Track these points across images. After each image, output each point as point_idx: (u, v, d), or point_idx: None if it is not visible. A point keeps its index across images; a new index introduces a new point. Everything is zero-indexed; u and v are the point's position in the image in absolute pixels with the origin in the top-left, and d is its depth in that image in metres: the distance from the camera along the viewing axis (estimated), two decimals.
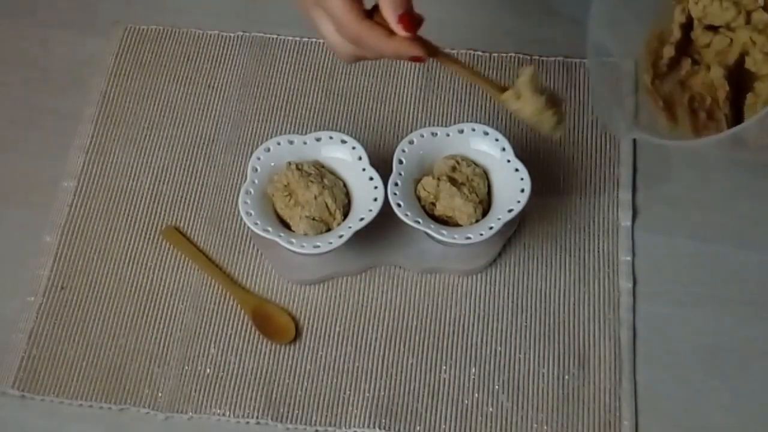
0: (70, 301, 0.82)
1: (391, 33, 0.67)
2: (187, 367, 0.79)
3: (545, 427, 0.76)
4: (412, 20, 0.67)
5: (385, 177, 0.79)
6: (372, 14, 0.68)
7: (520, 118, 0.73)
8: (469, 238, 0.76)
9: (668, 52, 0.83)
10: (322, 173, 0.81)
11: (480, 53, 0.94)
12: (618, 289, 0.82)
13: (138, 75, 0.94)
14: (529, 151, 0.88)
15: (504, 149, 0.81)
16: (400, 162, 0.80)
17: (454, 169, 0.80)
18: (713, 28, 0.83)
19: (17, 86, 0.94)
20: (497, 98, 0.73)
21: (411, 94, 0.92)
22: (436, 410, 0.77)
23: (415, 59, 0.68)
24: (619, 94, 0.82)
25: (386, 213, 0.78)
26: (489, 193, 0.81)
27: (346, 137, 0.82)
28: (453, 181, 0.79)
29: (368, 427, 0.77)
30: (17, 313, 0.82)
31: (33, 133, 0.91)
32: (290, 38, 0.96)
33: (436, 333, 0.80)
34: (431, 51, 0.69)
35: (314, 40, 0.96)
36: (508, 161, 0.81)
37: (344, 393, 0.78)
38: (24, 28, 0.98)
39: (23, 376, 0.79)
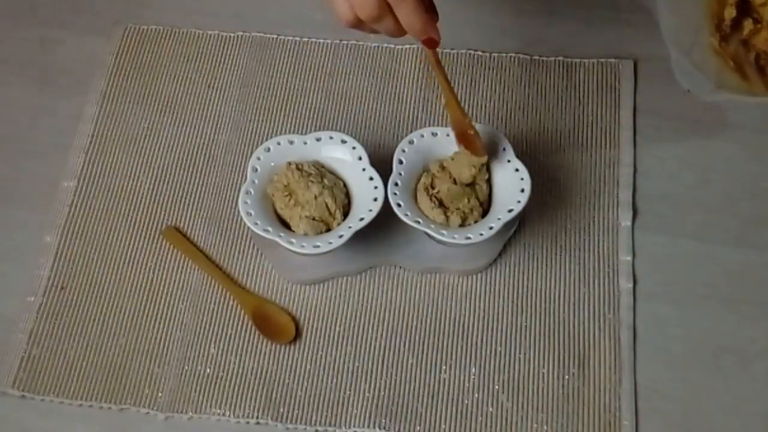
0: (70, 301, 0.82)
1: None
2: (187, 367, 0.79)
3: (545, 427, 0.76)
4: (434, 42, 0.71)
5: (385, 177, 0.79)
6: None
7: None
8: (469, 238, 0.76)
9: (729, 13, 0.84)
10: (322, 173, 0.81)
11: (480, 53, 0.94)
12: (618, 289, 0.82)
13: (138, 75, 0.94)
14: (529, 151, 0.88)
15: (504, 149, 0.81)
16: (400, 162, 0.80)
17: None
18: None
19: (17, 86, 0.94)
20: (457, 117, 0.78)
21: (411, 94, 0.92)
22: (436, 410, 0.77)
23: (428, 42, 0.71)
24: (693, 58, 0.82)
25: (386, 213, 0.78)
26: (489, 193, 0.81)
27: (346, 137, 0.82)
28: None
29: (368, 427, 0.77)
30: (17, 313, 0.82)
31: (33, 133, 0.91)
32: (290, 38, 0.96)
33: (436, 333, 0.80)
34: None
35: (314, 40, 0.96)
36: (508, 161, 0.81)
37: (344, 393, 0.78)
38: (24, 28, 0.98)
39: (23, 376, 0.79)
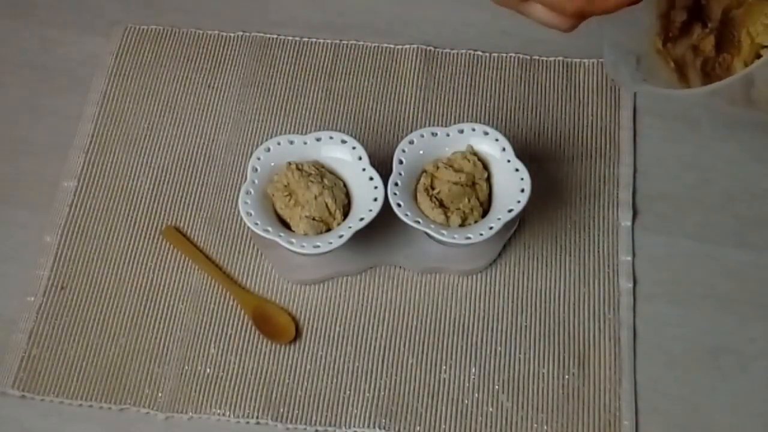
0: (70, 301, 0.82)
1: None
2: (187, 367, 0.79)
3: (545, 427, 0.76)
4: None
5: (385, 177, 0.79)
6: None
7: None
8: (469, 238, 0.76)
9: (680, 16, 0.83)
10: (322, 173, 0.81)
11: (480, 53, 0.94)
12: (618, 289, 0.82)
13: (138, 75, 0.94)
14: (529, 151, 0.88)
15: (504, 149, 0.81)
16: (400, 162, 0.80)
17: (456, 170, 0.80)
18: None
19: (17, 86, 0.94)
20: None
21: (411, 94, 0.92)
22: (436, 410, 0.77)
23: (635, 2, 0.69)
24: (629, 51, 0.82)
25: (386, 213, 0.78)
26: (489, 193, 0.81)
27: (346, 137, 0.82)
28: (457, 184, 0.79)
29: (368, 427, 0.77)
30: (17, 313, 0.82)
31: (33, 133, 0.91)
32: (290, 38, 0.96)
33: (436, 333, 0.80)
34: None
35: (314, 40, 0.96)
36: (508, 161, 0.81)
37: (344, 393, 0.78)
38: (24, 28, 0.98)
39: (23, 376, 0.79)
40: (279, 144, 0.82)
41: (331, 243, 0.77)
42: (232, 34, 0.97)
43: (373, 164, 0.80)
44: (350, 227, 0.77)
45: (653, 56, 0.83)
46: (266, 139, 0.86)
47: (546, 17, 0.69)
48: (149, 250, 0.85)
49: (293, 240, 0.77)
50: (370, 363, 0.79)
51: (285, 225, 0.80)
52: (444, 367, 0.79)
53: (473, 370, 0.79)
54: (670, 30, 0.84)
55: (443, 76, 0.93)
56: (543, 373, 0.78)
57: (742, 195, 0.86)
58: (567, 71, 0.93)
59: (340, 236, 0.77)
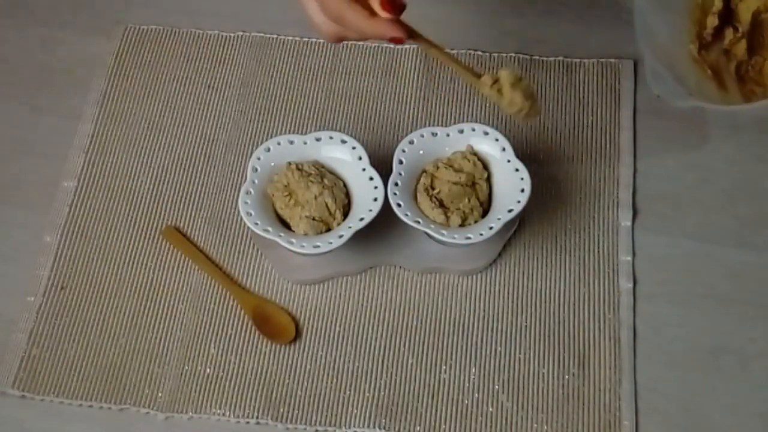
0: (70, 301, 0.82)
1: (373, 14, 0.68)
2: (187, 367, 0.79)
3: (545, 427, 0.76)
4: (393, 3, 0.68)
5: (385, 177, 0.79)
6: None
7: (494, 103, 0.75)
8: (469, 238, 0.76)
9: (712, 21, 0.84)
10: (322, 173, 0.81)
11: (480, 53, 0.94)
12: (618, 289, 0.82)
13: (138, 75, 0.94)
14: (529, 151, 0.88)
15: (504, 149, 0.81)
16: (400, 162, 0.80)
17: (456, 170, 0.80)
18: None
19: (17, 86, 0.94)
20: (473, 83, 0.74)
21: (411, 94, 0.92)
22: (436, 410, 0.77)
23: (394, 40, 0.70)
24: (669, 63, 0.82)
25: (386, 213, 0.78)
26: (489, 193, 0.81)
27: (346, 137, 0.82)
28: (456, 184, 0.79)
29: (368, 427, 0.77)
30: (17, 313, 0.82)
31: (33, 133, 0.92)
32: (290, 38, 0.96)
33: (436, 333, 0.80)
34: (410, 34, 0.70)
35: (314, 40, 0.96)
36: (508, 161, 0.81)
37: (344, 393, 0.78)
38: (24, 28, 0.98)
39: (23, 376, 0.79)
40: (279, 144, 0.82)
41: (331, 243, 0.77)
42: (232, 34, 0.97)
43: (373, 164, 0.80)
44: (350, 227, 0.77)
45: (691, 65, 0.84)
46: (266, 139, 0.86)
47: (315, 17, 0.71)
48: (149, 250, 0.85)
49: (293, 240, 0.77)
50: (370, 363, 0.79)
51: (285, 225, 0.80)
52: (444, 367, 0.79)
53: (473, 370, 0.79)
54: (703, 37, 0.84)
55: (443, 76, 0.93)
56: (543, 373, 0.78)
57: (742, 195, 0.86)
58: (567, 71, 0.93)
59: (340, 236, 0.77)
